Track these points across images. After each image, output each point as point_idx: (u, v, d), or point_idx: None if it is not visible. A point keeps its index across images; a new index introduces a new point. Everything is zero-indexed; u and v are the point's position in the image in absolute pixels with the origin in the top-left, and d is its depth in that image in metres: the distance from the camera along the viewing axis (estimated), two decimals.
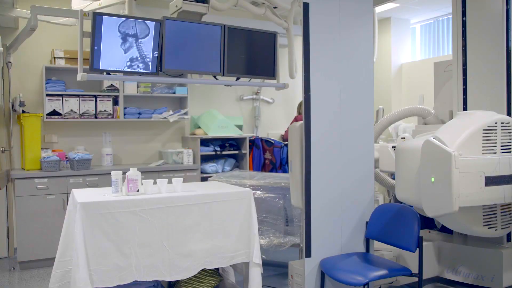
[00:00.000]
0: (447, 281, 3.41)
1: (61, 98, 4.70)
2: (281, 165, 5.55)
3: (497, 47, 3.19)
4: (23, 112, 4.61)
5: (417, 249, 2.65)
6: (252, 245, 2.90)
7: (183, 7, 3.07)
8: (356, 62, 3.06)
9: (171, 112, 5.28)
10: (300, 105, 5.08)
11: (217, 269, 3.15)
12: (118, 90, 4.95)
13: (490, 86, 3.24)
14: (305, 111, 2.85)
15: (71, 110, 4.74)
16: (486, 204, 2.73)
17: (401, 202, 3.16)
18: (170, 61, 3.01)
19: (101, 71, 2.85)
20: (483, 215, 2.80)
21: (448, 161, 2.57)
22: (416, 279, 2.67)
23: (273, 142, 5.65)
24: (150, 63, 2.97)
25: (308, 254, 2.87)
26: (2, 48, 4.31)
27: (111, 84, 4.91)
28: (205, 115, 5.50)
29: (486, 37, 3.24)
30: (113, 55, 2.84)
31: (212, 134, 5.29)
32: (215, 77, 3.29)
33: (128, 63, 2.90)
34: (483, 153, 2.70)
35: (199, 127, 5.42)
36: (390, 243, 2.87)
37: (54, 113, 4.68)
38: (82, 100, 4.79)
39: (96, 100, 4.85)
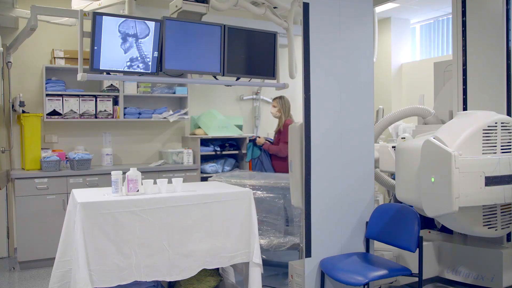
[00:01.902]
0: (447, 281, 3.41)
1: (61, 98, 4.70)
2: None
3: (497, 47, 3.19)
4: (23, 112, 4.61)
5: (417, 249, 2.65)
6: (252, 245, 2.90)
7: (183, 7, 3.07)
8: (356, 62, 3.06)
9: (171, 112, 5.29)
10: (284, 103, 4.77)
11: (217, 269, 3.15)
12: (118, 90, 4.95)
13: (490, 86, 3.23)
14: (305, 111, 2.85)
15: (71, 110, 4.74)
16: (486, 204, 2.73)
17: (401, 202, 3.16)
18: (170, 61, 3.01)
19: (101, 71, 2.85)
20: (483, 215, 2.80)
21: (448, 161, 2.57)
22: (416, 279, 2.67)
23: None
24: (150, 63, 2.97)
25: (308, 254, 2.87)
26: (2, 48, 4.31)
27: (111, 84, 4.92)
28: (205, 115, 5.50)
29: (486, 37, 3.24)
30: (113, 55, 2.84)
31: (212, 134, 5.29)
32: (215, 77, 3.29)
33: (128, 63, 2.90)
34: (483, 153, 2.70)
35: (199, 127, 5.42)
36: (390, 243, 2.87)
37: (54, 113, 4.68)
38: (82, 100, 4.79)
39: (96, 100, 4.85)
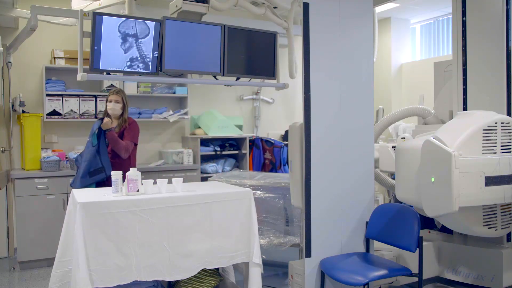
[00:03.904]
0: (447, 281, 3.41)
1: (61, 98, 4.70)
2: (281, 165, 5.55)
3: (497, 47, 3.19)
4: (23, 112, 4.61)
5: (417, 249, 2.65)
6: (252, 245, 2.90)
7: (183, 7, 3.07)
8: (356, 62, 3.06)
9: (171, 112, 5.29)
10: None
11: (217, 269, 3.15)
12: None
13: (490, 86, 3.23)
14: (305, 111, 2.85)
15: (71, 110, 4.74)
16: (486, 204, 2.73)
17: (401, 202, 3.16)
18: (170, 61, 3.01)
19: (101, 71, 2.85)
20: (483, 215, 2.80)
21: (448, 161, 2.57)
22: (416, 279, 2.67)
23: (273, 142, 5.65)
24: (150, 63, 2.97)
25: (308, 254, 2.87)
26: (2, 48, 4.31)
27: (111, 84, 4.91)
28: (205, 115, 5.50)
29: (486, 37, 3.24)
30: (113, 55, 2.84)
31: (212, 134, 5.29)
32: (215, 77, 3.29)
33: (128, 63, 2.90)
34: (483, 153, 2.70)
35: (199, 127, 5.43)
36: (390, 243, 2.87)
37: (54, 113, 4.68)
38: (82, 100, 4.79)
39: (96, 100, 4.85)
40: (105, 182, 3.54)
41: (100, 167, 3.49)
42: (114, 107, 3.74)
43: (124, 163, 3.66)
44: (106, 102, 3.79)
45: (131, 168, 2.75)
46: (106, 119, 3.59)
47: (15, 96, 4.69)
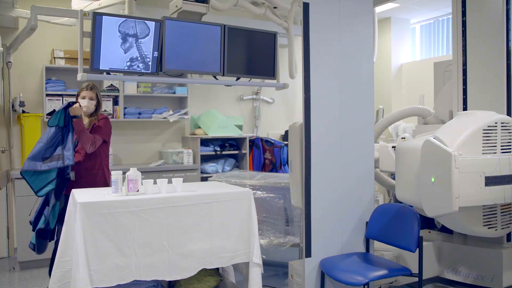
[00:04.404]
0: (447, 281, 3.41)
1: (61, 98, 4.70)
2: (281, 165, 5.55)
3: (497, 47, 3.19)
4: (23, 112, 4.61)
5: (417, 249, 2.65)
6: (252, 245, 2.90)
7: (183, 7, 3.07)
8: (356, 62, 3.06)
9: (171, 112, 5.29)
10: None
11: (217, 269, 3.15)
12: (118, 90, 4.95)
13: (490, 86, 3.24)
14: (305, 111, 2.85)
15: None
16: (486, 204, 2.73)
17: (401, 202, 3.16)
18: (170, 61, 3.01)
19: (101, 71, 2.85)
20: (483, 215, 2.80)
21: (448, 161, 2.57)
22: (416, 279, 2.67)
23: (273, 142, 5.65)
24: (150, 63, 2.96)
25: (308, 254, 2.87)
26: (2, 48, 4.31)
27: (111, 84, 4.92)
28: (205, 115, 5.51)
29: (486, 37, 3.24)
30: (113, 55, 2.84)
31: (212, 134, 5.30)
32: (215, 77, 3.29)
33: (128, 63, 2.90)
34: (483, 153, 2.70)
35: (199, 127, 5.43)
36: (390, 243, 2.87)
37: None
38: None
39: None
40: (70, 176, 3.32)
41: (59, 154, 3.12)
42: (88, 105, 3.41)
43: (95, 163, 3.44)
44: (78, 98, 3.43)
45: (131, 168, 2.75)
46: (76, 104, 3.26)
47: (15, 96, 4.69)
